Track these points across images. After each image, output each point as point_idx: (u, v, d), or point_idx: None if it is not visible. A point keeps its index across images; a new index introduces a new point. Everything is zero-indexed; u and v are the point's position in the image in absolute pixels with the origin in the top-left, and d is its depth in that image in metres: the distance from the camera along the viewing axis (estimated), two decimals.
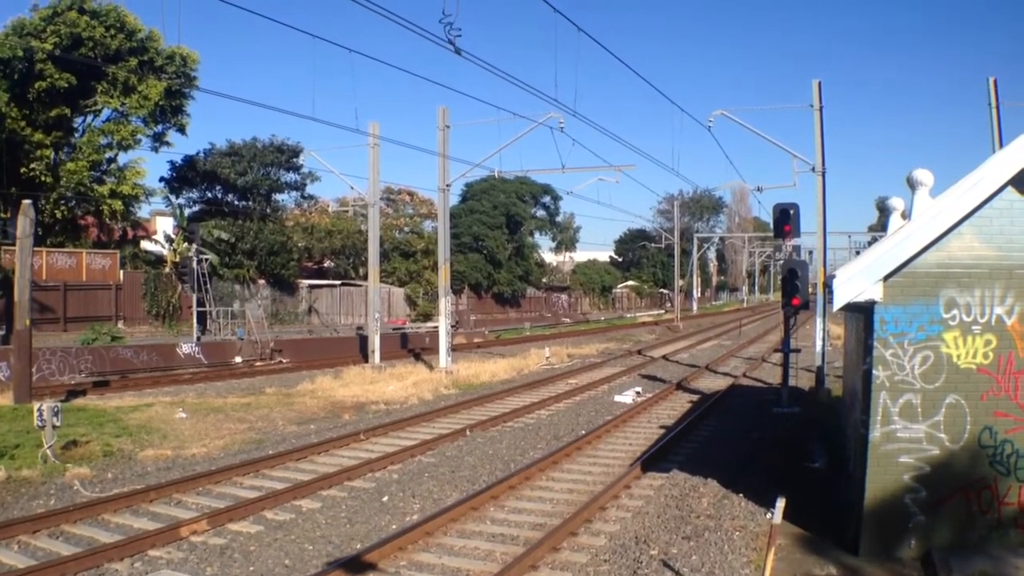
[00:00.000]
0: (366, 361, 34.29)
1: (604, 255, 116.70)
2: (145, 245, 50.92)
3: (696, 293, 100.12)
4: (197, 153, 55.07)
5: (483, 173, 39.99)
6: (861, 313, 10.88)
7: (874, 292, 9.87)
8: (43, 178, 40.21)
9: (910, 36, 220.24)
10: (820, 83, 26.19)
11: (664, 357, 39.51)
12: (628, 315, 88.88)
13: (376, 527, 11.92)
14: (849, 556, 10.15)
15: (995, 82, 26.01)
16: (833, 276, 10.18)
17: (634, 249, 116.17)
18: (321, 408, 23.32)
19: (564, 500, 13.41)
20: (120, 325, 39.95)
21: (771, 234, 29.44)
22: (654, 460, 15.79)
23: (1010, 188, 9.74)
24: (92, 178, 42.79)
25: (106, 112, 43.89)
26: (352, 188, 46.29)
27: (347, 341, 42.18)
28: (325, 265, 63.09)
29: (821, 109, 26.05)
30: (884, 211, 11.10)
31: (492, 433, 19.53)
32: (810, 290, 22.22)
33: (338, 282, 57.92)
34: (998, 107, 25.76)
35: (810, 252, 43.49)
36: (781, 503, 9.22)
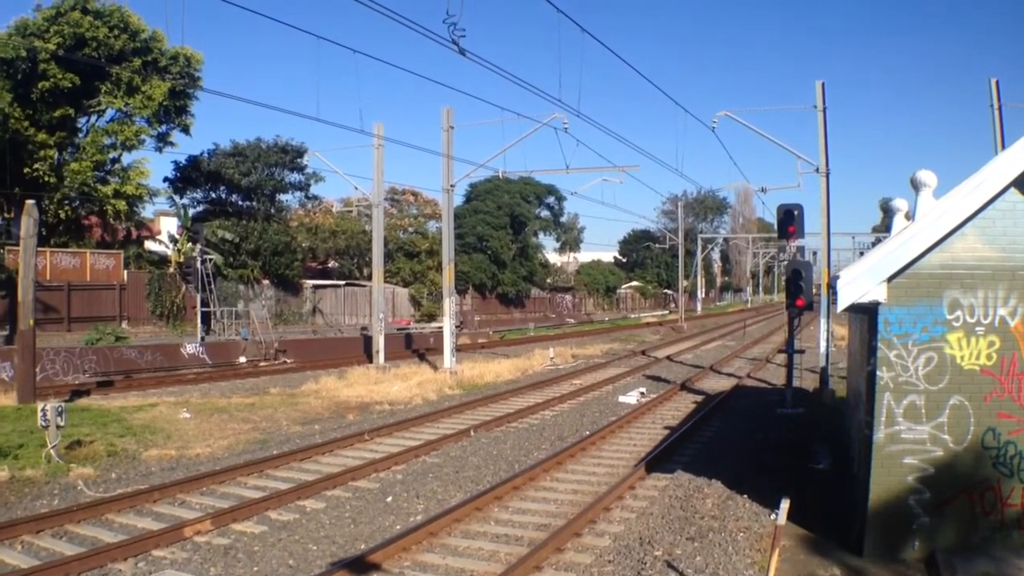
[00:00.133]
0: (370, 361, 34.31)
1: (608, 256, 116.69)
2: (149, 245, 51.03)
3: (700, 294, 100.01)
4: (201, 153, 55.27)
5: (487, 173, 40.08)
6: (865, 314, 10.87)
7: (878, 293, 9.87)
8: (47, 178, 40.30)
9: (913, 37, 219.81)
10: (824, 84, 26.22)
11: (668, 358, 39.48)
12: (632, 316, 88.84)
13: (380, 527, 11.93)
14: (853, 557, 10.14)
15: (997, 83, 25.97)
16: (837, 277, 10.16)
17: (638, 250, 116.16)
18: (325, 408, 23.34)
19: (568, 501, 13.40)
20: (124, 325, 40.02)
21: (775, 235, 29.42)
22: (658, 461, 15.78)
23: (1013, 189, 9.74)
24: (96, 178, 42.85)
25: (110, 112, 43.99)
26: (356, 188, 46.42)
27: (351, 341, 42.21)
28: (329, 265, 63.18)
29: (825, 110, 26.05)
30: (888, 212, 11.11)
31: (496, 433, 19.53)
32: (814, 291, 22.16)
33: (342, 282, 57.99)
34: (1000, 108, 25.72)
35: (814, 253, 43.42)
36: (785, 504, 9.23)
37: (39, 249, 27.59)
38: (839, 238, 72.90)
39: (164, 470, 15.66)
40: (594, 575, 9.91)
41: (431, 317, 57.26)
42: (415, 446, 17.47)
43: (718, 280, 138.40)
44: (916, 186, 10.11)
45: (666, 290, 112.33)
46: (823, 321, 26.43)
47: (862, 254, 23.85)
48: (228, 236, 48.10)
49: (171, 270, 45.66)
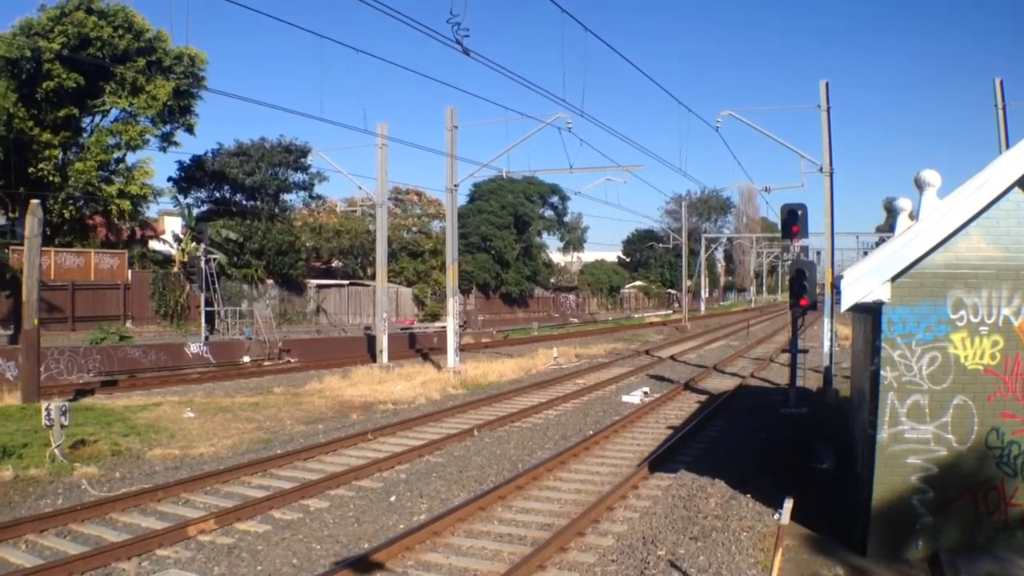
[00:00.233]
0: (374, 361, 34.33)
1: (612, 255, 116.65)
2: (153, 245, 51.10)
3: (704, 293, 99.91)
4: (205, 153, 55.28)
5: (491, 173, 40.09)
6: (869, 314, 10.86)
7: (882, 293, 9.86)
8: (51, 178, 40.37)
9: (917, 37, 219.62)
10: (828, 83, 26.15)
11: (672, 357, 39.46)
12: (636, 315, 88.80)
13: (384, 527, 11.94)
14: (857, 557, 10.14)
15: (1001, 83, 25.95)
16: (841, 277, 10.16)
17: (642, 249, 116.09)
18: (329, 408, 23.36)
19: (572, 500, 13.41)
20: (128, 325, 40.06)
21: (779, 234, 29.37)
22: (662, 460, 15.79)
23: (1017, 189, 9.73)
24: (100, 178, 42.97)
25: (114, 112, 44.07)
26: (360, 188, 46.48)
27: (355, 341, 42.23)
28: (333, 265, 63.20)
29: (829, 110, 26.00)
30: (892, 212, 11.09)
31: (500, 433, 19.54)
32: (818, 291, 22.16)
33: (346, 282, 58.00)
34: (1004, 108, 25.70)
35: (818, 253, 43.39)
36: (789, 504, 9.22)
37: (43, 249, 27.64)
38: (843, 238, 73.13)
39: (168, 469, 15.69)
40: (598, 574, 9.92)
41: (435, 317, 57.27)
42: (419, 445, 17.49)
43: (722, 280, 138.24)
44: (920, 186, 10.11)
45: (670, 290, 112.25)
46: (827, 321, 26.40)
47: (866, 254, 23.85)
48: (232, 236, 48.15)
49: (175, 270, 45.71)
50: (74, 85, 39.30)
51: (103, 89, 42.03)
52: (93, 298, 40.20)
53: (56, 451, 15.41)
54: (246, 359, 35.83)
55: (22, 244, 25.20)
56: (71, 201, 42.44)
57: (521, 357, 37.41)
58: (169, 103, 43.37)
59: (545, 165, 63.59)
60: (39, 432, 16.50)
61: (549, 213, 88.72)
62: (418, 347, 42.66)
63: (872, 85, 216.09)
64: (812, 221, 22.43)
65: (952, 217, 9.68)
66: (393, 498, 13.52)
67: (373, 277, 45.41)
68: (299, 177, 59.45)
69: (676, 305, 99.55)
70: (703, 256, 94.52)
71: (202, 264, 38.49)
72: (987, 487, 9.83)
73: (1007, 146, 23.37)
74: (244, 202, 57.20)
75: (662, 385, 28.34)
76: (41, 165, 40.07)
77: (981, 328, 9.78)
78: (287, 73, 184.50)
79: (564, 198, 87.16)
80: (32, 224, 22.33)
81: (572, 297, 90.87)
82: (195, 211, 53.78)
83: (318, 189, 61.70)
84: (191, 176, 54.84)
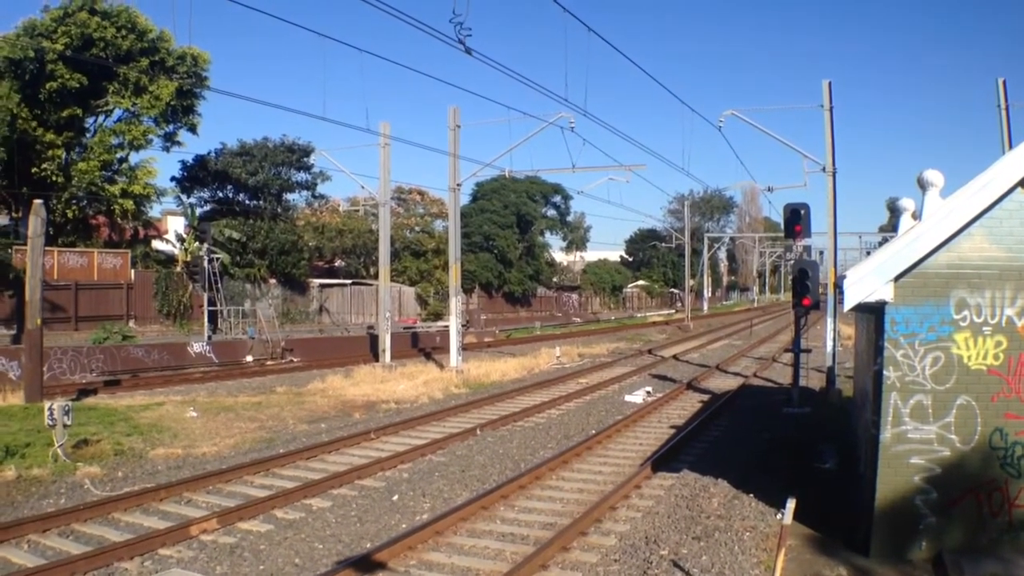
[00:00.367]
0: (377, 360, 34.33)
1: (615, 255, 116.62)
2: (156, 245, 51.20)
3: (707, 293, 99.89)
4: (208, 153, 55.32)
5: (494, 172, 40.06)
6: (872, 314, 10.85)
7: (885, 292, 9.84)
8: (54, 178, 40.43)
9: (920, 36, 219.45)
10: (830, 83, 26.10)
11: (675, 357, 39.44)
12: (639, 315, 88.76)
13: (386, 526, 11.94)
14: (859, 557, 10.12)
15: (1004, 83, 25.92)
16: (844, 276, 10.15)
17: (645, 249, 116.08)
18: (332, 407, 23.37)
19: (574, 500, 13.40)
20: (131, 324, 40.12)
21: (782, 234, 29.35)
22: (664, 460, 15.77)
23: (1020, 189, 9.71)
24: (103, 178, 43.00)
25: (117, 112, 44.09)
26: (363, 187, 46.59)
27: (358, 340, 42.24)
28: (336, 264, 63.25)
29: (831, 109, 25.96)
30: (895, 212, 11.06)
31: (502, 432, 19.53)
32: (821, 290, 22.15)
33: (349, 281, 58.05)
34: (1007, 108, 25.68)
35: (821, 252, 43.39)
36: (791, 504, 9.19)
37: (47, 248, 27.68)
38: (846, 237, 73.14)
39: (171, 469, 15.70)
40: (600, 574, 9.91)
41: (438, 316, 57.31)
42: (421, 445, 17.49)
43: (724, 279, 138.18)
44: (923, 186, 10.08)
45: (672, 289, 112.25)
46: (830, 320, 26.39)
47: (869, 253, 23.83)
48: (235, 235, 48.19)
49: (178, 269, 45.78)
50: (77, 85, 39.34)
51: (106, 89, 42.08)
52: (96, 298, 40.25)
53: (59, 451, 15.42)
54: (249, 358, 35.87)
55: (25, 244, 25.26)
56: (74, 201, 42.48)
57: (524, 356, 37.41)
58: (172, 103, 43.42)
59: (548, 164, 63.72)
60: (42, 432, 16.51)
61: (552, 212, 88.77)
62: (421, 346, 42.68)
63: (875, 85, 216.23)
64: (815, 221, 22.44)
65: (955, 217, 9.66)
66: (396, 497, 13.52)
67: (376, 276, 45.45)
68: (302, 177, 59.52)
69: (679, 304, 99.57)
70: (706, 255, 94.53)
71: (205, 264, 38.52)
72: (991, 488, 9.81)
73: (1010, 146, 23.36)
74: (247, 202, 57.23)
75: (665, 384, 28.33)
76: (44, 165, 40.15)
77: (984, 328, 9.76)
78: (290, 73, 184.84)
79: (567, 197, 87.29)
80: (35, 224, 22.36)
81: (575, 296, 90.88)
82: (198, 211, 53.82)
83: (321, 189, 61.85)
84: (194, 176, 54.89)
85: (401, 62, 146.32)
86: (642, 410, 22.04)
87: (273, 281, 50.72)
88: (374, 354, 36.50)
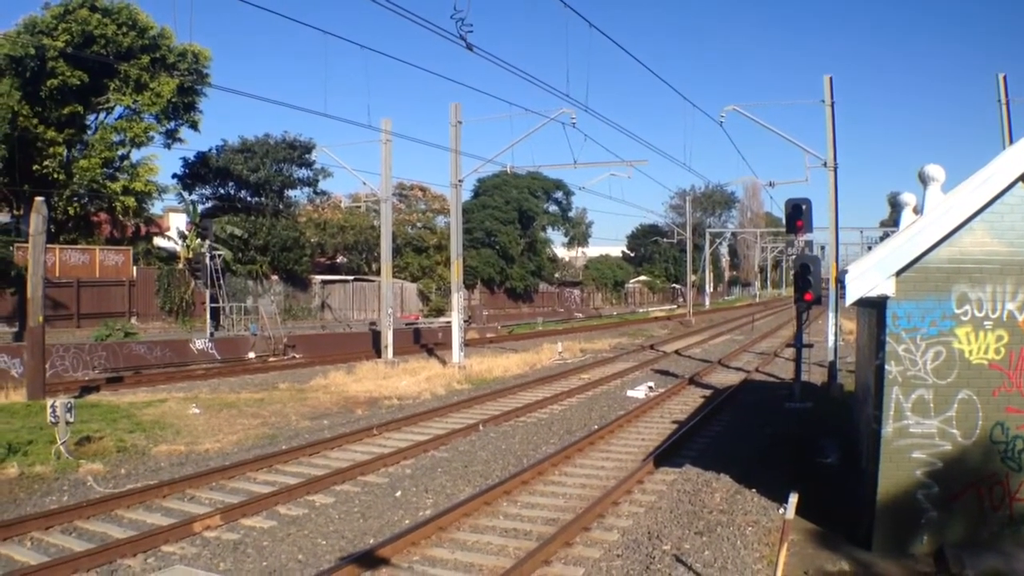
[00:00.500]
0: (379, 356, 34.36)
1: (616, 250, 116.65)
2: (158, 242, 51.24)
3: (708, 288, 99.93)
4: (210, 150, 55.39)
5: (495, 168, 40.12)
6: (873, 308, 10.85)
7: (886, 287, 9.85)
8: (56, 175, 40.46)
9: (921, 32, 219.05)
10: (832, 78, 26.10)
11: (677, 352, 39.42)
12: (640, 310, 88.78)
13: (389, 522, 11.95)
14: (862, 551, 10.14)
15: (1005, 78, 25.92)
16: (845, 271, 10.16)
17: (646, 244, 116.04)
18: (334, 403, 23.39)
19: (577, 495, 13.42)
20: (133, 321, 40.17)
21: (783, 229, 29.39)
22: (667, 455, 15.78)
23: (1021, 184, 9.71)
24: (105, 175, 43.01)
25: (119, 109, 44.12)
26: (364, 184, 46.60)
27: (360, 336, 42.27)
28: (338, 260, 63.29)
29: (833, 104, 25.96)
30: (896, 206, 11.05)
31: (505, 428, 19.55)
32: (822, 285, 22.13)
33: (351, 277, 58.07)
34: (1008, 103, 25.70)
35: (822, 247, 43.44)
36: (794, 498, 9.20)
37: (48, 246, 27.72)
38: (847, 232, 73.06)
39: (173, 465, 15.72)
40: (603, 569, 9.92)
41: (439, 312, 57.32)
42: (424, 441, 17.51)
43: (726, 274, 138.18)
44: (924, 180, 10.08)
45: (674, 284, 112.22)
46: (831, 315, 26.38)
47: (870, 248, 23.81)
48: (237, 232, 48.21)
49: (180, 266, 45.82)
50: (78, 83, 39.34)
51: (107, 86, 42.11)
52: (98, 295, 40.29)
53: (61, 448, 15.44)
54: (251, 355, 35.89)
55: (27, 241, 25.27)
56: (76, 198, 42.52)
57: (526, 352, 37.42)
58: (173, 100, 43.43)
59: (549, 160, 63.69)
60: (44, 429, 16.53)
61: (553, 208, 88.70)
62: (423, 342, 42.71)
63: (876, 80, 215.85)
64: (816, 216, 22.45)
65: (956, 212, 9.66)
66: (398, 493, 13.54)
67: (378, 273, 45.48)
68: (303, 173, 59.50)
69: (681, 300, 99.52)
70: (707, 251, 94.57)
71: (207, 260, 38.55)
72: (992, 482, 9.83)
73: (1011, 141, 23.34)
74: (249, 198, 57.24)
75: (667, 380, 28.33)
76: (46, 162, 40.17)
77: (985, 323, 9.77)
78: (291, 69, 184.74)
79: (568, 193, 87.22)
80: (37, 221, 22.37)
81: (577, 292, 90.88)
82: (200, 207, 53.85)
83: (322, 185, 61.77)
84: (196, 173, 54.90)
85: (403, 58, 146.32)
86: (644, 405, 22.06)
87: (275, 278, 50.75)
88: (376, 350, 36.54)
